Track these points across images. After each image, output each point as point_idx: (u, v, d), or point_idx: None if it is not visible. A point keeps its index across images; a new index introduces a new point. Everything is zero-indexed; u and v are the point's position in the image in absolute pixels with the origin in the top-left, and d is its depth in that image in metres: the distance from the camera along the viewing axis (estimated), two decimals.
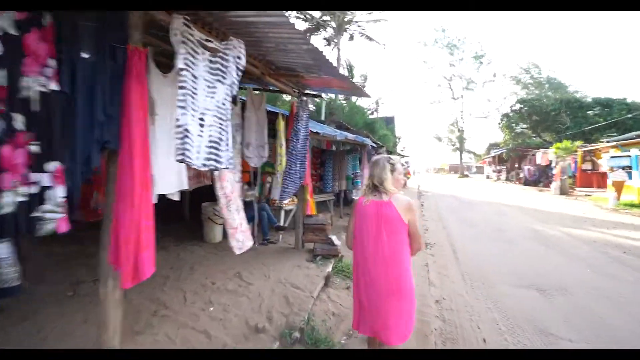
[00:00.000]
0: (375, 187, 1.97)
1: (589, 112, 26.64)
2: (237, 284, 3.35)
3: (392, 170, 1.99)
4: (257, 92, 4.04)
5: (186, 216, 6.26)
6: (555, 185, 17.21)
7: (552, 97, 30.81)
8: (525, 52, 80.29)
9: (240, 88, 3.33)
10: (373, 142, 9.21)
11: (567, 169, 18.00)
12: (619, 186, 11.68)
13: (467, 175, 42.58)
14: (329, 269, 4.15)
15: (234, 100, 2.65)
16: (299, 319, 2.83)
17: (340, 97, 14.78)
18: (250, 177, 5.35)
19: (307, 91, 4.44)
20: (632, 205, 11.37)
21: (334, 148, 9.14)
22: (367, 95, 4.40)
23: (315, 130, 4.62)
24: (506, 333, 3.26)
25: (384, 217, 1.90)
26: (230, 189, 3.10)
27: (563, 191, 16.62)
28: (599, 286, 4.46)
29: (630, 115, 23.56)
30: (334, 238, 4.42)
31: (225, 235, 4.93)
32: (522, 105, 29.44)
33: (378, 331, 1.91)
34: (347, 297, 3.76)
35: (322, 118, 9.13)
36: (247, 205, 5.04)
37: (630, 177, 11.83)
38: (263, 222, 5.08)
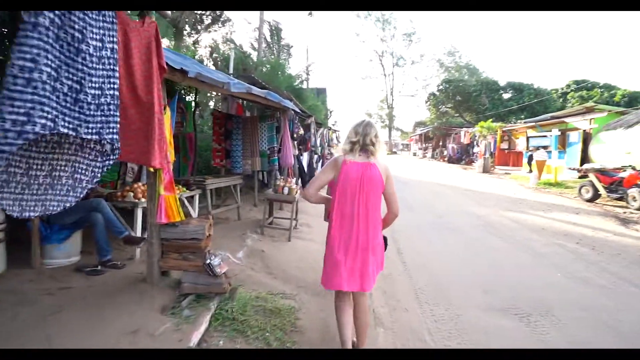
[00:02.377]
0: (364, 149, 1.98)
1: (504, 96, 28.50)
2: None
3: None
4: None
5: None
6: (479, 163, 17.60)
7: (473, 80, 32.40)
8: (447, 34, 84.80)
9: None
10: (300, 109, 7.27)
11: (489, 147, 18.59)
12: (540, 165, 11.85)
13: (395, 152, 43.74)
14: (204, 324, 2.22)
15: None
16: None
17: (262, 53, 12.35)
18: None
19: None
20: (550, 184, 11.64)
21: (247, 114, 6.99)
22: None
23: (174, 64, 2.44)
24: None
25: (367, 178, 1.94)
26: None
27: (486, 169, 17.06)
28: (584, 304, 3.35)
29: (536, 100, 25.70)
30: (215, 262, 2.45)
31: (11, 261, 2.64)
32: (447, 85, 30.29)
33: (355, 282, 2.00)
34: None
35: (230, 71, 6.87)
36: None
37: (550, 157, 12.10)
38: (97, 231, 2.85)
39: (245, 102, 7.63)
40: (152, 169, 2.32)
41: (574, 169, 9.83)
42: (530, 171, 14.93)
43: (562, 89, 28.36)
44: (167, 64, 2.40)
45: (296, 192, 4.73)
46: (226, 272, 2.64)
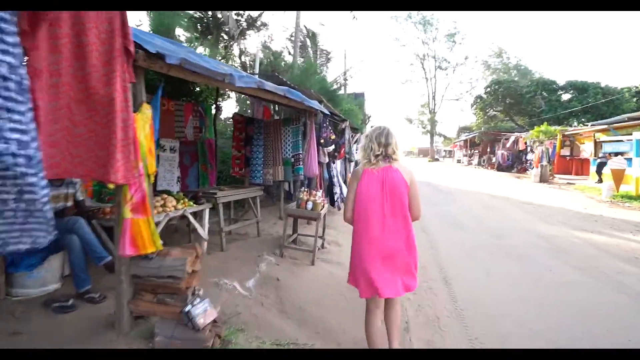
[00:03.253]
0: (386, 156, 2.00)
1: (563, 97, 25.68)
2: None
3: None
4: None
5: None
6: (535, 171, 15.68)
7: (525, 81, 29.68)
8: (494, 34, 79.87)
9: None
10: (332, 112, 6.61)
11: (546, 154, 16.53)
12: (618, 175, 10.04)
13: (437, 159, 41.51)
14: None
15: None
16: None
17: (297, 57, 11.90)
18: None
19: None
20: (629, 198, 9.80)
21: (276, 117, 6.46)
22: None
23: (150, 48, 1.87)
24: None
25: (389, 181, 1.95)
26: None
27: (543, 178, 15.12)
28: None
29: (603, 100, 22.74)
30: (197, 310, 1.81)
31: None
32: (497, 87, 27.99)
33: (392, 286, 1.96)
34: None
35: (256, 71, 6.40)
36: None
37: (629, 165, 10.23)
38: (72, 257, 2.37)
39: (275, 105, 7.14)
40: (112, 186, 1.75)
41: None
42: (600, 181, 12.90)
43: (637, 87, 24.83)
44: (140, 47, 1.84)
45: (322, 207, 4.04)
46: (216, 319, 2.01)
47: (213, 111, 5.59)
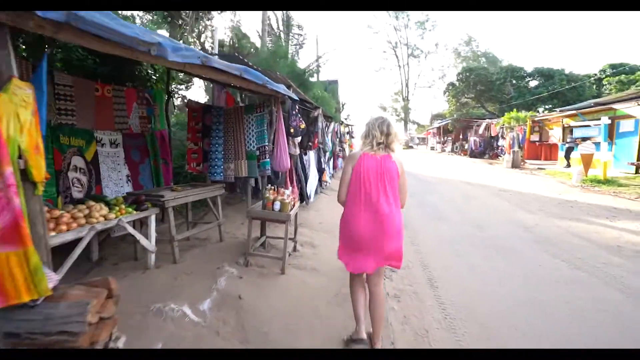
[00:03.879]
0: (386, 146, 2.10)
1: (531, 83, 26.36)
2: None
3: None
4: None
5: None
6: (507, 157, 15.89)
7: (497, 67, 30.23)
8: (463, 22, 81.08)
9: None
10: (303, 98, 6.03)
11: (517, 139, 16.79)
12: (587, 160, 10.20)
13: (411, 147, 41.92)
14: None
15: None
16: None
17: (265, 40, 11.11)
18: None
19: None
20: (598, 182, 9.99)
21: (241, 104, 5.79)
22: None
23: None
24: None
25: (386, 168, 2.07)
26: None
27: (515, 164, 15.35)
28: None
29: (568, 87, 23.51)
30: None
31: None
32: (468, 74, 28.30)
33: (378, 261, 2.11)
34: None
35: (215, 51, 5.70)
36: None
37: (597, 149, 10.42)
38: None
39: (242, 93, 6.46)
40: None
41: (633, 164, 8.20)
42: (568, 166, 13.23)
43: (596, 74, 25.89)
44: None
45: (292, 207, 3.52)
46: None
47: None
